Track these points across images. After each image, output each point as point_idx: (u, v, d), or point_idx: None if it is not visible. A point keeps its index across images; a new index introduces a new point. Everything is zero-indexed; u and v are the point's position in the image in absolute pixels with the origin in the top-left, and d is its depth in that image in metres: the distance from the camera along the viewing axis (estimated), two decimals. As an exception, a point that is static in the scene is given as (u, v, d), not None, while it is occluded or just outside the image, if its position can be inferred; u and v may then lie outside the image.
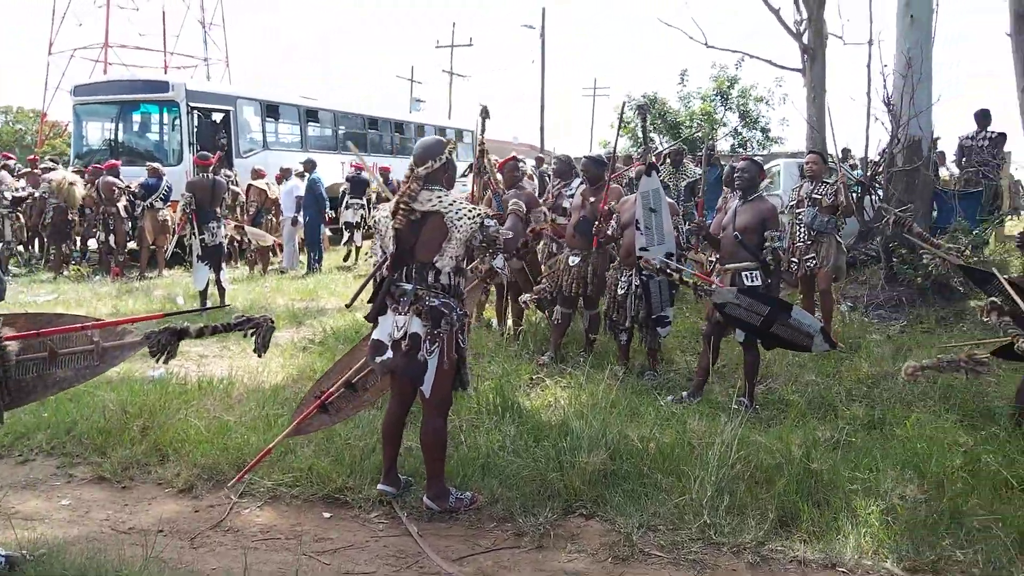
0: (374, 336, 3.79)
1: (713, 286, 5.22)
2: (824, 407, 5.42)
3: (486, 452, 4.30)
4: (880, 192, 9.90)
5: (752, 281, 5.17)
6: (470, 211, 3.70)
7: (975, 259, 8.39)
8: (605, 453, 4.10)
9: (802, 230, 7.42)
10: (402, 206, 3.69)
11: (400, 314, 3.69)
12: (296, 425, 3.93)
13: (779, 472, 4.02)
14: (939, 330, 7.73)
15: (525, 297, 6.67)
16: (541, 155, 9.20)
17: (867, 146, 10.26)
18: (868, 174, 10.04)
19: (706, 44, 11.92)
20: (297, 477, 4.13)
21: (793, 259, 7.40)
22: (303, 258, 13.35)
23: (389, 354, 3.72)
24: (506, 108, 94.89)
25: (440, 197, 3.70)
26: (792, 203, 7.63)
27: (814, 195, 7.37)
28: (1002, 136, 10.71)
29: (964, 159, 10.52)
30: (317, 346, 7.20)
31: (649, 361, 6.35)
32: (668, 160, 9.19)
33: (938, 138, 10.35)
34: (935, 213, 9.80)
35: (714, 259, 6.79)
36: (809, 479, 3.97)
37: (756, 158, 6.41)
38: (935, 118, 9.57)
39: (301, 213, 12.64)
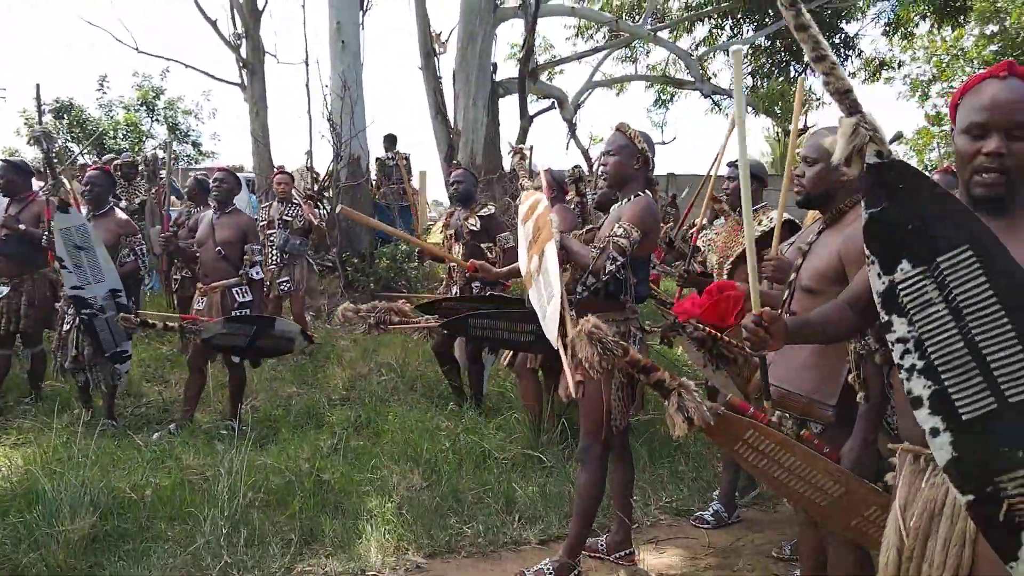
0: None
1: (200, 324, 4.84)
2: (312, 417, 5.47)
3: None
4: (327, 206, 10.48)
5: (243, 296, 4.95)
6: None
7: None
8: (93, 514, 3.44)
9: (274, 253, 7.27)
10: None
11: None
12: None
13: (292, 490, 3.91)
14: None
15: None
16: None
17: (311, 162, 10.73)
18: (315, 188, 10.53)
19: (137, 49, 11.07)
20: None
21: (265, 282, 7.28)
22: None
23: None
24: None
25: None
26: (262, 223, 7.43)
27: (285, 216, 7.34)
28: (407, 156, 12.37)
29: (384, 177, 11.77)
30: None
31: (105, 406, 5.29)
32: (120, 173, 8.23)
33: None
34: (376, 225, 10.71)
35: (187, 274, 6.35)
36: (323, 491, 3.95)
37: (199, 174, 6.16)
38: (373, 138, 10.49)
39: None
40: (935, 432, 1.48)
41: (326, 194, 10.41)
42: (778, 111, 15.14)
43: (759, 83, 15.26)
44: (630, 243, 3.11)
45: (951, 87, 17.34)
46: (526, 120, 11.23)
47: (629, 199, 3.29)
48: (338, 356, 7.23)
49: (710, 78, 14.80)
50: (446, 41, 12.62)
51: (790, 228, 3.93)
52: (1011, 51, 15.24)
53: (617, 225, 3.16)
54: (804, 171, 2.58)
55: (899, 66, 16.89)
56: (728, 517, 3.95)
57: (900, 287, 1.51)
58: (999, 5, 14.59)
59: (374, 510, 3.81)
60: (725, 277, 4.10)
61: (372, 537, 3.58)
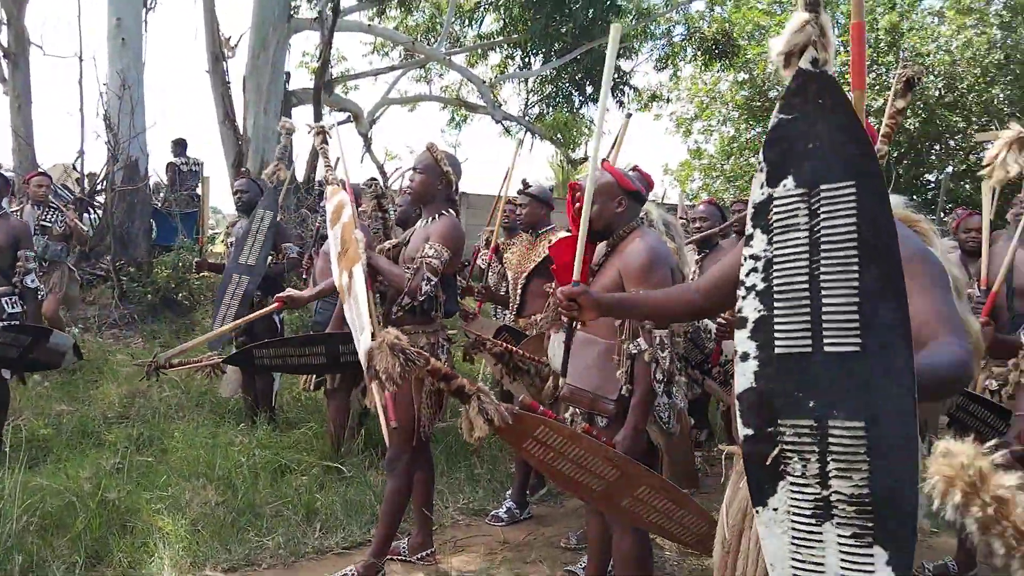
0: None
1: None
2: (88, 435, 5.12)
3: None
4: (99, 211, 9.76)
5: (12, 307, 4.53)
6: None
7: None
8: None
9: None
10: None
11: None
12: None
13: (73, 512, 3.67)
14: (176, 342, 8.05)
15: None
16: None
17: (83, 163, 9.93)
18: (86, 191, 9.77)
19: None
20: None
21: None
22: None
23: None
24: None
25: None
26: None
27: (43, 221, 6.77)
28: (200, 163, 11.79)
29: (178, 182, 11.15)
30: None
31: None
32: None
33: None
34: (155, 232, 10.11)
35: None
36: (108, 511, 3.74)
37: None
38: (154, 142, 9.90)
39: None
40: (745, 357, 1.48)
41: (98, 197, 9.70)
42: (560, 139, 16.11)
43: (545, 111, 16.17)
44: (441, 263, 3.28)
45: (710, 125, 19.35)
46: (321, 132, 11.10)
47: (434, 217, 3.46)
48: (112, 371, 6.78)
49: (501, 104, 15.46)
50: (235, 46, 12.20)
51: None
52: (758, 97, 17.33)
53: (428, 246, 3.30)
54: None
55: (667, 101, 18.62)
56: (520, 514, 4.23)
57: (776, 202, 1.48)
58: (748, 56, 16.52)
59: (166, 528, 3.68)
60: (519, 292, 4.40)
61: (165, 555, 3.45)
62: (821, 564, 1.38)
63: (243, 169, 10.93)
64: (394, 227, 5.60)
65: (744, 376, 1.47)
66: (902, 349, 1.32)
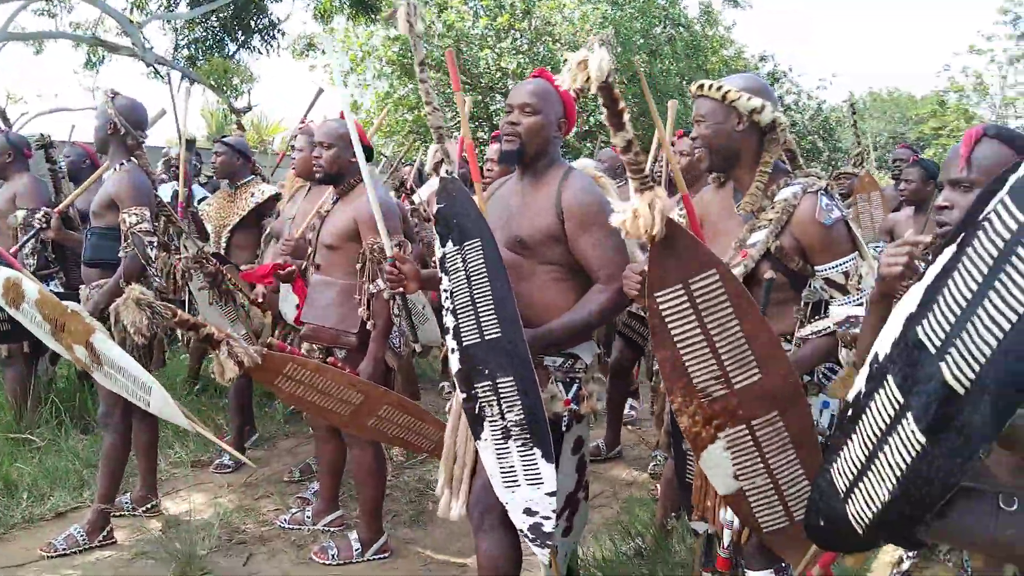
0: None
1: None
2: None
3: None
4: None
5: None
6: None
7: None
8: None
9: None
10: None
11: None
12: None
13: None
14: None
15: None
16: None
17: None
18: None
19: None
20: None
21: None
22: None
23: None
24: None
25: None
26: None
27: None
28: None
29: None
30: None
31: None
32: None
33: None
34: None
35: None
36: None
37: None
38: None
39: None
40: (453, 351, 2.26)
41: None
42: (216, 84, 15.29)
43: (197, 56, 15.22)
44: (149, 224, 3.30)
45: (364, 79, 19.62)
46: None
47: (115, 169, 3.40)
48: None
49: (151, 46, 14.17)
50: None
51: (277, 198, 4.53)
52: (409, 54, 18.07)
53: (128, 214, 3.26)
54: (321, 153, 3.18)
55: (323, 53, 18.45)
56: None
57: (447, 256, 2.27)
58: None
59: None
60: (224, 245, 4.47)
61: None
62: (512, 467, 2.18)
63: None
64: (65, 179, 5.24)
65: (455, 364, 2.25)
66: (518, 330, 2.11)
